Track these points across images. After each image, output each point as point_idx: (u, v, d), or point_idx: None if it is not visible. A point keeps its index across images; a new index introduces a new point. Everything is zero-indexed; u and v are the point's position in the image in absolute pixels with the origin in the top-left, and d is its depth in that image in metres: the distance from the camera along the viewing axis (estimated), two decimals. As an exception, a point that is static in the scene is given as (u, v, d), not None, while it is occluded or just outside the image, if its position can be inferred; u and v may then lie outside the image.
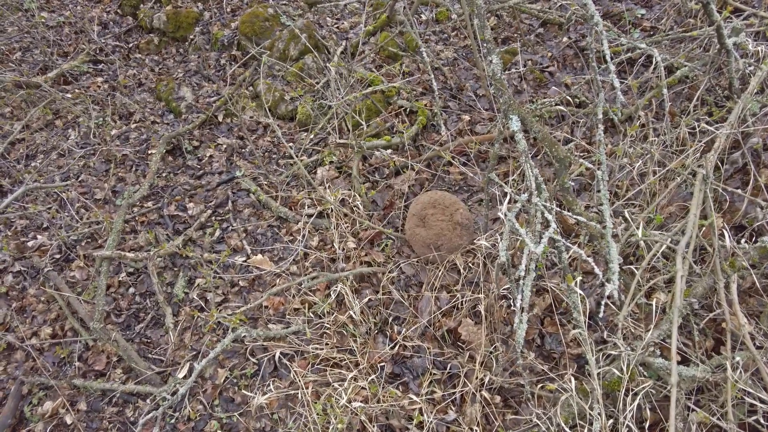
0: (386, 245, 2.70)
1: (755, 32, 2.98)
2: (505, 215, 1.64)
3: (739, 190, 2.18)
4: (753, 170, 2.33)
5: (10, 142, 3.57)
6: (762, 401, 1.69)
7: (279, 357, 2.38)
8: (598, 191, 1.99)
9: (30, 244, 2.99)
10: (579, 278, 2.28)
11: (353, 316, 2.40)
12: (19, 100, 3.86)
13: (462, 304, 2.36)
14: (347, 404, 2.08)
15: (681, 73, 2.90)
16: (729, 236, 1.95)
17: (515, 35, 3.75)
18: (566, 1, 3.73)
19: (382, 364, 2.29)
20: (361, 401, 2.14)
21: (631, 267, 2.24)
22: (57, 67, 4.07)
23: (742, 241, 2.10)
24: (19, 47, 4.33)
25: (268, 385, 2.31)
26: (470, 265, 2.49)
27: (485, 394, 2.11)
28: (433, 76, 3.25)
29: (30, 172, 3.36)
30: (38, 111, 3.74)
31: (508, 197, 1.60)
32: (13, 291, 2.78)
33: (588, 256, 2.42)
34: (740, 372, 1.72)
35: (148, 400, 2.34)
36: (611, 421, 1.78)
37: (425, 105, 3.26)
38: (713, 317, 1.98)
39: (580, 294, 2.28)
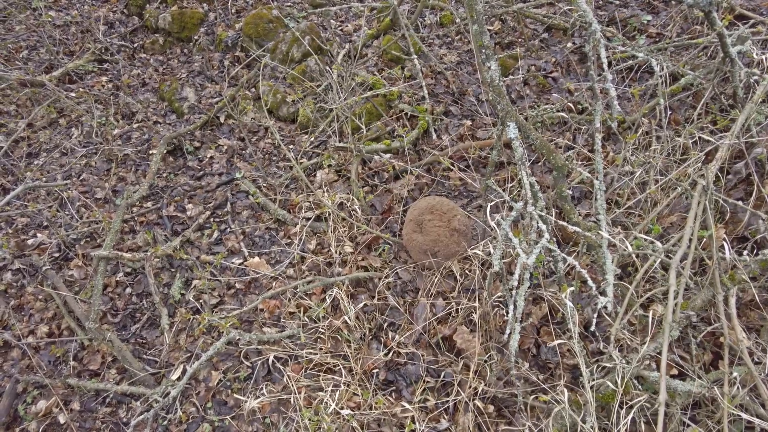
0: (383, 250, 2.69)
1: (763, 40, 2.93)
2: (499, 224, 1.62)
3: (741, 202, 2.15)
4: (756, 181, 2.29)
5: (14, 140, 3.59)
6: (759, 417, 1.66)
7: (273, 361, 2.37)
8: (596, 200, 1.97)
9: (30, 242, 3.00)
10: (577, 287, 2.26)
11: (348, 321, 2.38)
12: (24, 98, 3.89)
13: (457, 312, 2.34)
14: (338, 411, 2.07)
15: (685, 80, 2.86)
16: (729, 248, 1.92)
17: (519, 40, 3.72)
18: (571, 6, 3.70)
19: (375, 370, 2.27)
20: (353, 408, 2.13)
21: (630, 278, 2.21)
22: (62, 66, 4.10)
23: (744, 253, 2.06)
24: (26, 45, 4.36)
25: (261, 388, 2.30)
26: (467, 272, 2.47)
27: (478, 403, 2.08)
28: (423, 82, 3.22)
29: (31, 170, 3.38)
30: (42, 109, 3.76)
31: (499, 206, 1.58)
32: (11, 289, 2.80)
33: (586, 266, 2.40)
34: (738, 387, 1.69)
35: (141, 401, 2.34)
36: (604, 434, 1.75)
37: (426, 109, 3.24)
38: (712, 330, 1.94)
39: (579, 303, 2.26)
